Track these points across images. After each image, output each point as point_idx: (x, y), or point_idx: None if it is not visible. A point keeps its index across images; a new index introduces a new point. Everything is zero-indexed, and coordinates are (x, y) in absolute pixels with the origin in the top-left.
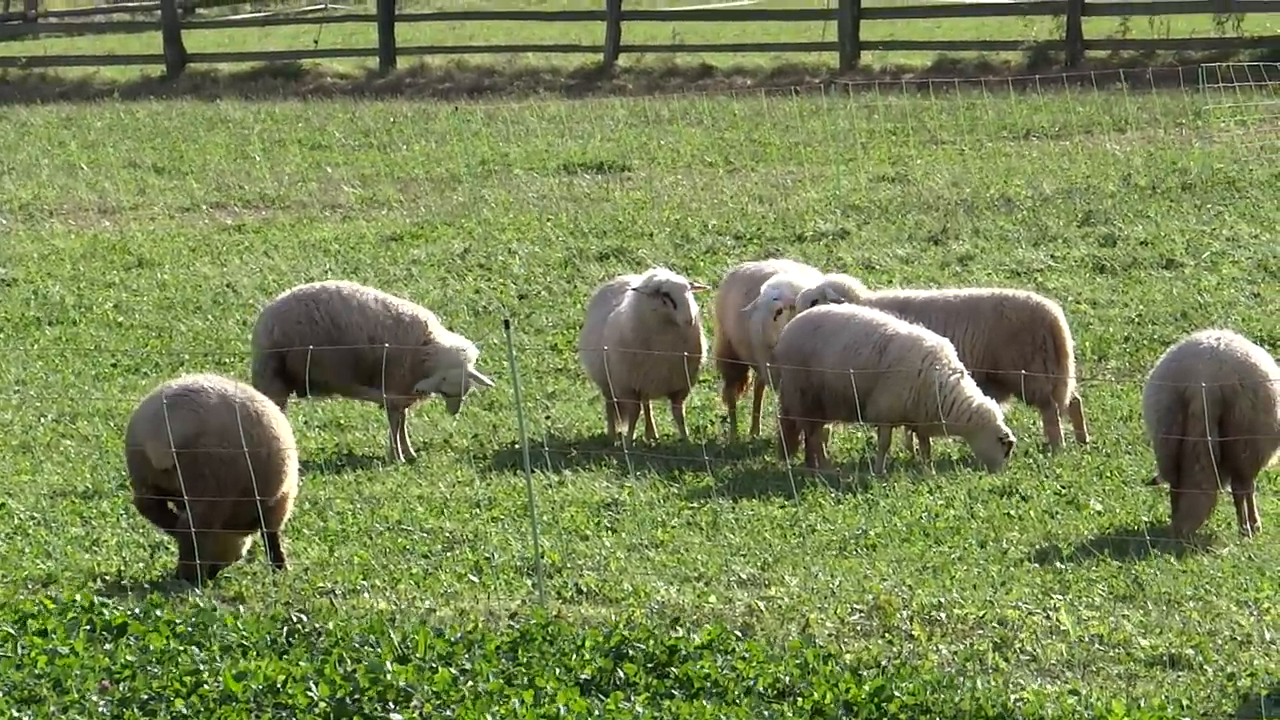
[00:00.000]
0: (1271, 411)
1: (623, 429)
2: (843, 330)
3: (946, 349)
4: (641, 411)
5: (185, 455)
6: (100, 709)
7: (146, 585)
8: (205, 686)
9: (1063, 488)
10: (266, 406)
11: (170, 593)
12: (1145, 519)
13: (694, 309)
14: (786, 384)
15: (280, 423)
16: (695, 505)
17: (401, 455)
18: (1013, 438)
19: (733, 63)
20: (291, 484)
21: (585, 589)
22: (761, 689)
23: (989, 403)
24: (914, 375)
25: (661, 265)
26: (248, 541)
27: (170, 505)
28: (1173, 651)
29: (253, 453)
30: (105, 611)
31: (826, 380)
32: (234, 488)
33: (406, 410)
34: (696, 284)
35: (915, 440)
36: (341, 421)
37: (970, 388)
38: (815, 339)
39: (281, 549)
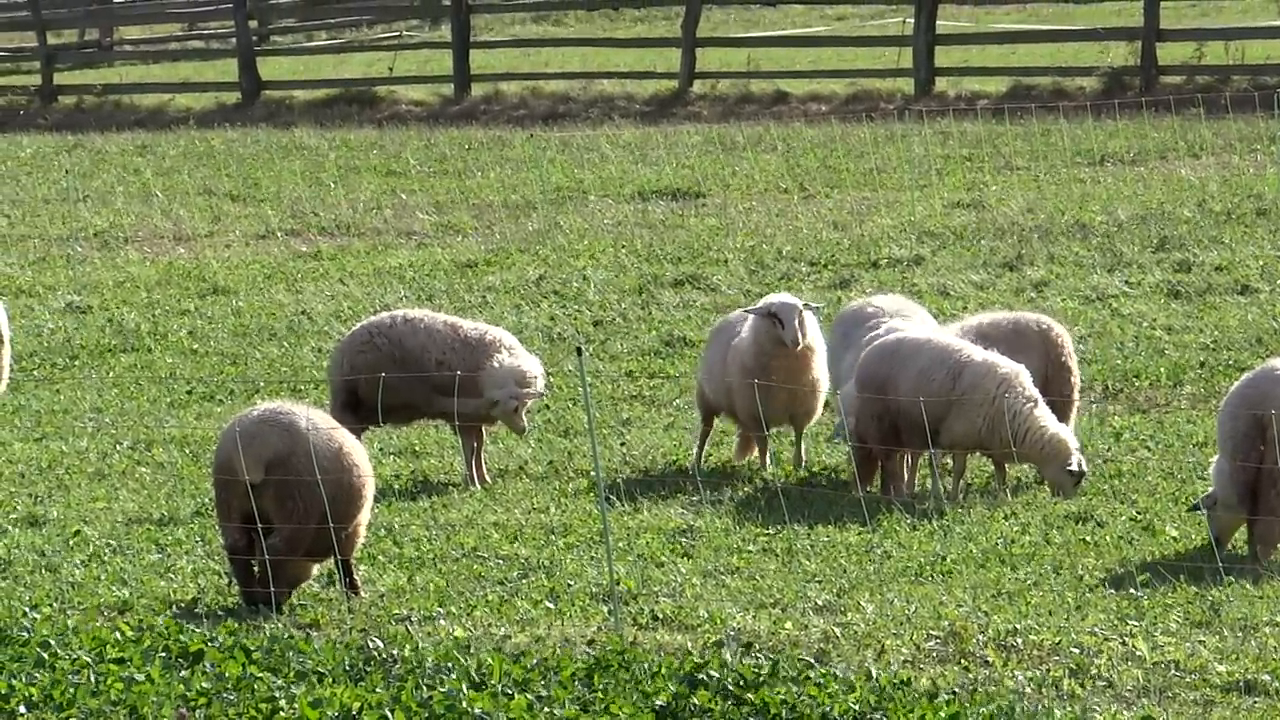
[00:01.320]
0: None
1: (747, 457)
2: (918, 355)
3: (1022, 376)
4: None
5: (276, 475)
6: None
7: (221, 612)
8: (281, 714)
9: (1138, 513)
10: (346, 434)
11: (246, 619)
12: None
13: (810, 331)
14: (861, 411)
15: (359, 451)
16: (770, 532)
17: (477, 482)
18: (1085, 468)
19: (807, 89)
20: (366, 512)
21: (660, 615)
22: (837, 715)
23: (1064, 431)
24: (988, 402)
25: (784, 292)
26: (316, 570)
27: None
28: (1249, 677)
29: (336, 479)
30: (182, 638)
31: (901, 407)
32: (318, 512)
33: (483, 436)
34: (811, 306)
35: (992, 466)
36: (417, 448)
37: (1045, 416)
38: (891, 365)
39: (356, 576)
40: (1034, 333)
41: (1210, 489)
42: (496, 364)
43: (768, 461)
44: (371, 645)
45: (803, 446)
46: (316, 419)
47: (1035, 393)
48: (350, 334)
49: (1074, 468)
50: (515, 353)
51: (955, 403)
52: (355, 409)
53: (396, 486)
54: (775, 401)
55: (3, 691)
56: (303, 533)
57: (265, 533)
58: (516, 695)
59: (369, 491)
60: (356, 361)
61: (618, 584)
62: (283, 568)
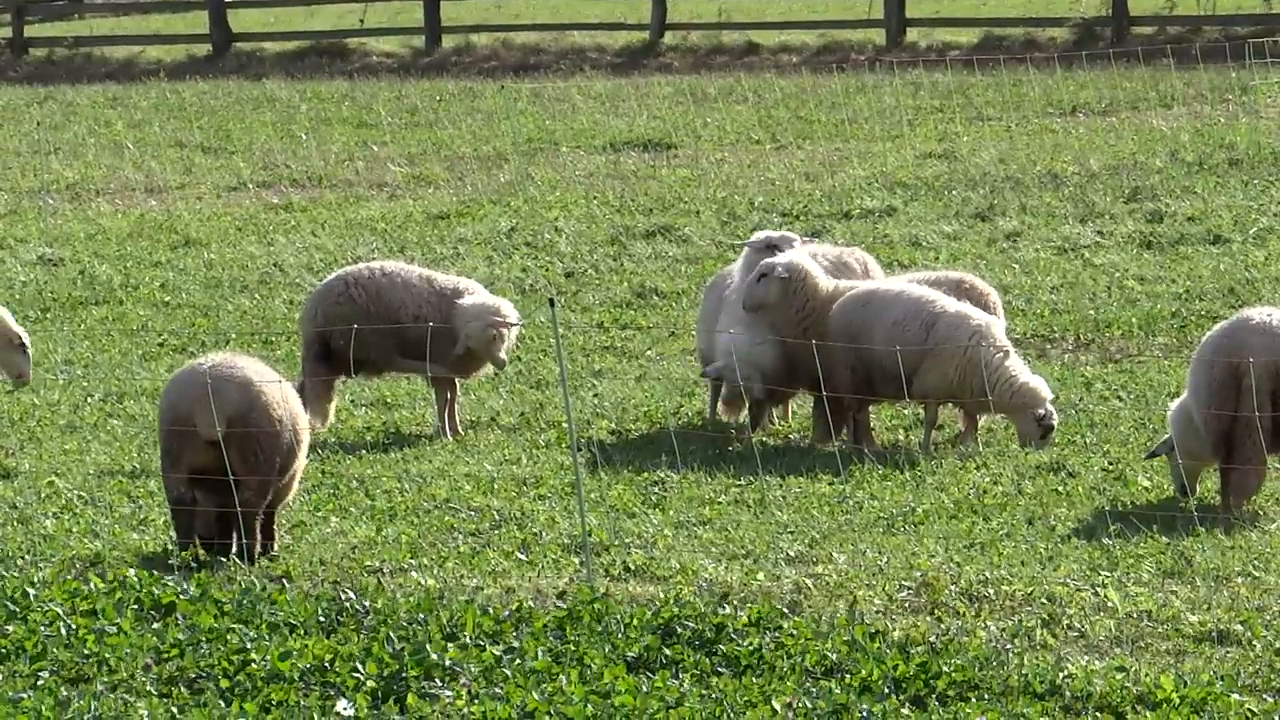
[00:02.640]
0: None
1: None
2: (891, 307)
3: (995, 326)
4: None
5: (238, 428)
6: (148, 687)
7: (194, 564)
8: (253, 665)
9: (1110, 463)
10: (286, 384)
11: (218, 571)
12: (1195, 495)
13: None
14: (834, 362)
15: (296, 399)
16: (743, 483)
17: (449, 433)
18: (1054, 420)
19: (779, 40)
20: (302, 461)
21: (633, 567)
22: (809, 666)
23: (1035, 381)
24: (959, 352)
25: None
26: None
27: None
28: (1221, 627)
29: (292, 430)
30: (154, 590)
31: (875, 357)
32: (279, 463)
33: (456, 388)
34: (806, 239)
35: (962, 417)
36: (388, 400)
37: (1017, 366)
38: (864, 315)
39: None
40: (960, 292)
41: (1165, 435)
42: (467, 301)
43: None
44: (343, 597)
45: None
46: (262, 369)
47: (1007, 343)
48: (324, 284)
49: (1043, 417)
50: (485, 294)
51: (929, 353)
52: (327, 360)
53: (368, 438)
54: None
55: None
56: (268, 483)
57: (235, 485)
58: (488, 646)
59: (306, 442)
60: (331, 313)
61: (590, 535)
62: (254, 520)
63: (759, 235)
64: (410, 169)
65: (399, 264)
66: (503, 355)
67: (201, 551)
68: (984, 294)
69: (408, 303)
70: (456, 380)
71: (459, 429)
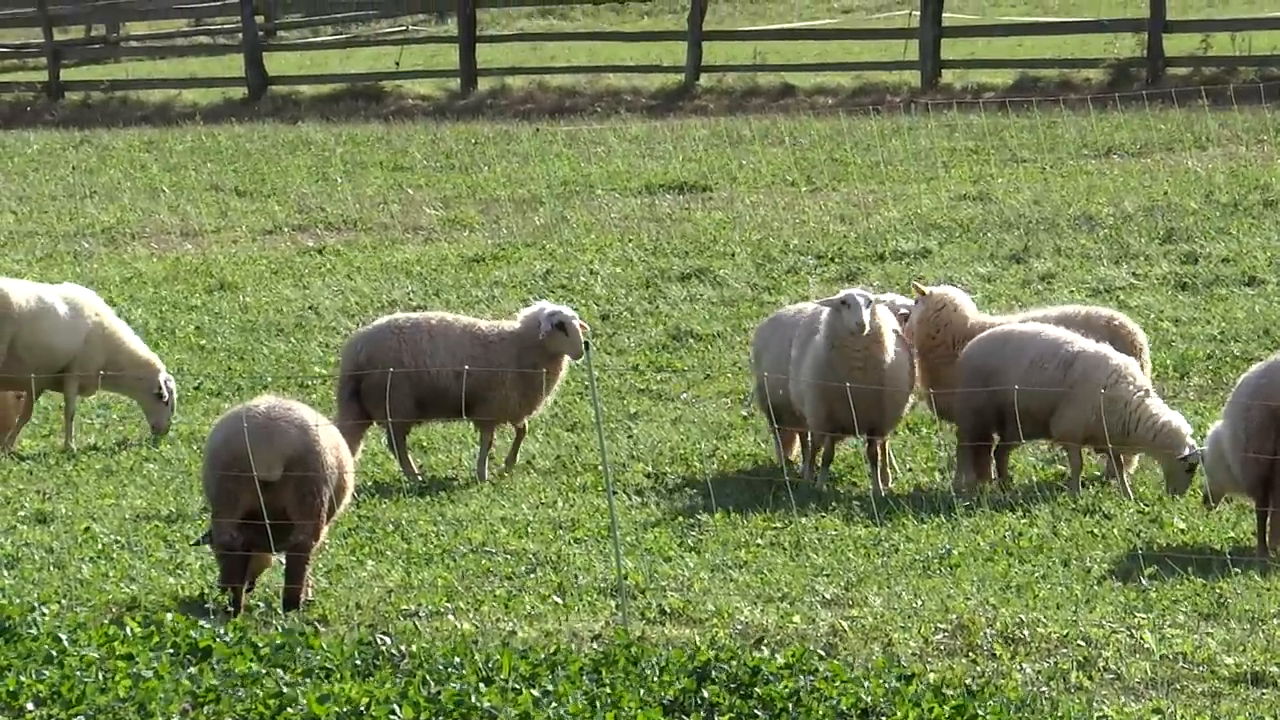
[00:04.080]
0: None
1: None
2: (1029, 346)
3: (1132, 367)
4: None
5: (296, 471)
6: None
7: (230, 608)
8: (289, 709)
9: (1146, 506)
10: (334, 429)
11: (254, 616)
12: (1229, 535)
13: (884, 324)
14: (964, 405)
15: (345, 446)
16: (778, 525)
17: (484, 476)
18: (1197, 458)
19: (814, 82)
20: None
21: (668, 610)
22: (845, 709)
23: (1177, 420)
24: (1097, 392)
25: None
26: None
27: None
28: (1257, 669)
29: (340, 474)
30: (190, 634)
31: (1009, 398)
32: (330, 506)
33: (493, 434)
34: (885, 300)
35: (1108, 460)
36: (424, 444)
37: (1157, 405)
38: (1002, 355)
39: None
40: (1102, 327)
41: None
42: (520, 313)
43: (816, 467)
44: (379, 641)
45: (888, 458)
46: (313, 413)
47: (1146, 383)
48: (372, 327)
49: (1186, 456)
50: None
51: (1066, 394)
52: (358, 402)
53: (404, 482)
54: (856, 408)
55: (11, 688)
56: (320, 527)
57: (283, 530)
58: (524, 690)
59: (351, 487)
60: (365, 357)
61: (625, 578)
62: (305, 565)
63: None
64: (445, 212)
65: (444, 315)
66: (580, 343)
67: (227, 596)
68: (1132, 333)
69: (442, 355)
70: (495, 429)
71: (491, 473)
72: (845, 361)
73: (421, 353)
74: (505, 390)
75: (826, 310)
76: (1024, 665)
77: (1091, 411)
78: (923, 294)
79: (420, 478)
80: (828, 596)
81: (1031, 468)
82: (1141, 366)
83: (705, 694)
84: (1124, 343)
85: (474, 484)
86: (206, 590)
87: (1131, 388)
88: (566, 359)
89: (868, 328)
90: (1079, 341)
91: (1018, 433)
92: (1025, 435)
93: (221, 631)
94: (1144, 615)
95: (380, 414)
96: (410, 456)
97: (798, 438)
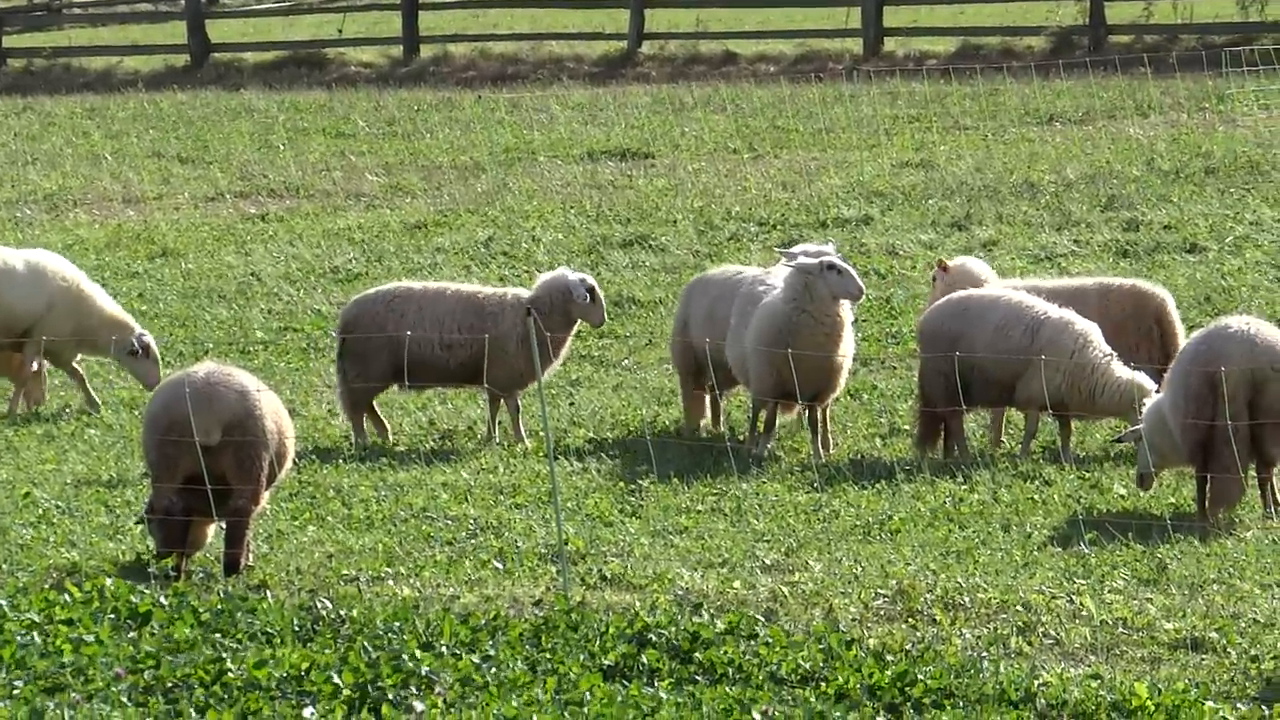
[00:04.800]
0: None
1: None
2: (991, 312)
3: (1095, 332)
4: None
5: (235, 436)
6: (123, 697)
7: (171, 573)
8: (229, 674)
9: (1086, 472)
10: (273, 395)
11: (194, 581)
12: (1169, 502)
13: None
14: (928, 370)
15: (284, 412)
16: (719, 491)
17: (497, 435)
18: (1137, 435)
19: (756, 50)
20: (284, 474)
21: (609, 575)
22: (785, 674)
23: (1138, 377)
24: (1066, 358)
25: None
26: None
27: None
28: (1196, 635)
29: (280, 440)
30: (131, 599)
31: (976, 364)
32: (270, 472)
33: (512, 398)
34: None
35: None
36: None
37: (1120, 369)
38: (963, 321)
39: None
40: (1133, 297)
41: (1133, 429)
42: (539, 278)
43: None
44: (320, 606)
45: (828, 425)
46: (253, 379)
47: (1108, 348)
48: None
49: (1120, 437)
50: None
51: (1033, 360)
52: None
53: (346, 447)
54: (801, 373)
55: None
56: (260, 492)
57: (223, 495)
58: (465, 655)
59: (291, 453)
60: (351, 322)
61: (566, 544)
62: (244, 530)
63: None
64: (387, 179)
65: (446, 285)
66: (603, 314)
67: (170, 561)
68: (1162, 300)
69: (428, 324)
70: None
71: (515, 431)
72: (814, 326)
73: (405, 322)
74: (509, 357)
75: (796, 273)
76: (964, 631)
77: (1061, 378)
78: (945, 268)
79: (366, 444)
80: (768, 562)
81: (971, 433)
82: (1170, 334)
83: (645, 659)
84: (1153, 313)
85: (415, 450)
86: (147, 555)
87: (1097, 353)
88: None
89: (863, 294)
90: (1042, 306)
91: (985, 399)
92: (989, 401)
93: (161, 597)
94: (1084, 581)
95: (354, 378)
96: (366, 426)
97: (706, 401)
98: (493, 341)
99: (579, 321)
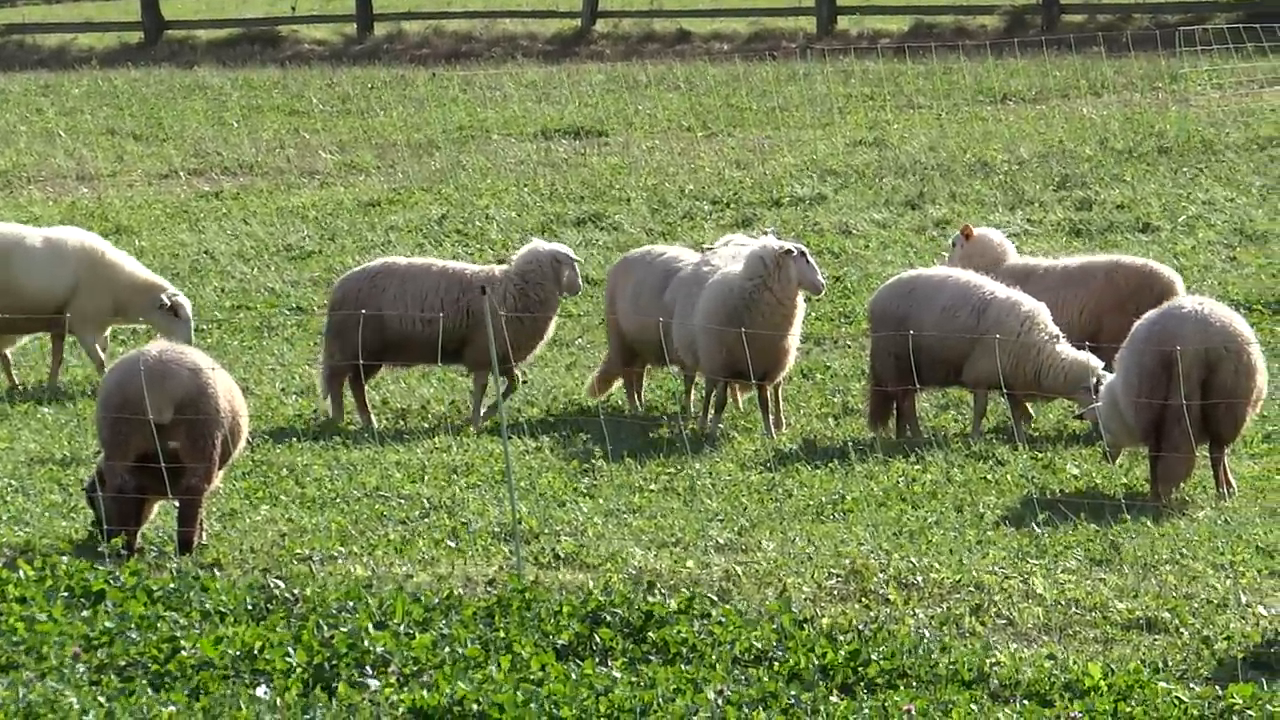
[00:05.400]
0: (1253, 376)
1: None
2: (939, 293)
3: (1043, 312)
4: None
5: (188, 414)
6: (78, 675)
7: (123, 551)
8: (183, 653)
9: (1039, 452)
10: (226, 374)
11: (148, 560)
12: (1122, 482)
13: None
14: (878, 350)
15: (238, 391)
16: (672, 470)
17: (478, 423)
18: (1094, 413)
19: (710, 28)
20: (237, 453)
21: (562, 555)
22: (738, 653)
23: (1083, 356)
24: (1012, 338)
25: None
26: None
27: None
28: (1149, 615)
29: (233, 419)
30: (85, 577)
31: (923, 343)
32: (223, 450)
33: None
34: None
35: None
36: (317, 388)
37: (1066, 349)
38: (910, 302)
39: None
40: (1144, 277)
41: (1092, 406)
42: (516, 254)
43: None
44: (273, 584)
45: (781, 406)
46: (206, 358)
47: (1055, 328)
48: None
49: (1081, 414)
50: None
51: (980, 340)
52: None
53: (299, 426)
54: (753, 352)
55: None
56: (213, 470)
57: (176, 473)
58: (418, 634)
59: (245, 432)
60: (339, 299)
61: (520, 523)
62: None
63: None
64: (341, 156)
65: (430, 261)
66: (577, 283)
67: (119, 541)
68: (1170, 280)
69: (409, 300)
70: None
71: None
72: (771, 308)
73: (387, 299)
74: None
75: (764, 252)
76: (917, 610)
77: (1006, 358)
78: (968, 235)
79: (340, 418)
80: (721, 542)
81: (924, 413)
82: None
83: (599, 638)
84: (1157, 291)
85: (368, 429)
86: (98, 534)
87: (1044, 334)
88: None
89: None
90: (989, 287)
91: (933, 378)
92: (937, 381)
93: (115, 575)
94: (1037, 561)
95: (334, 353)
96: (342, 403)
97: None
98: (477, 317)
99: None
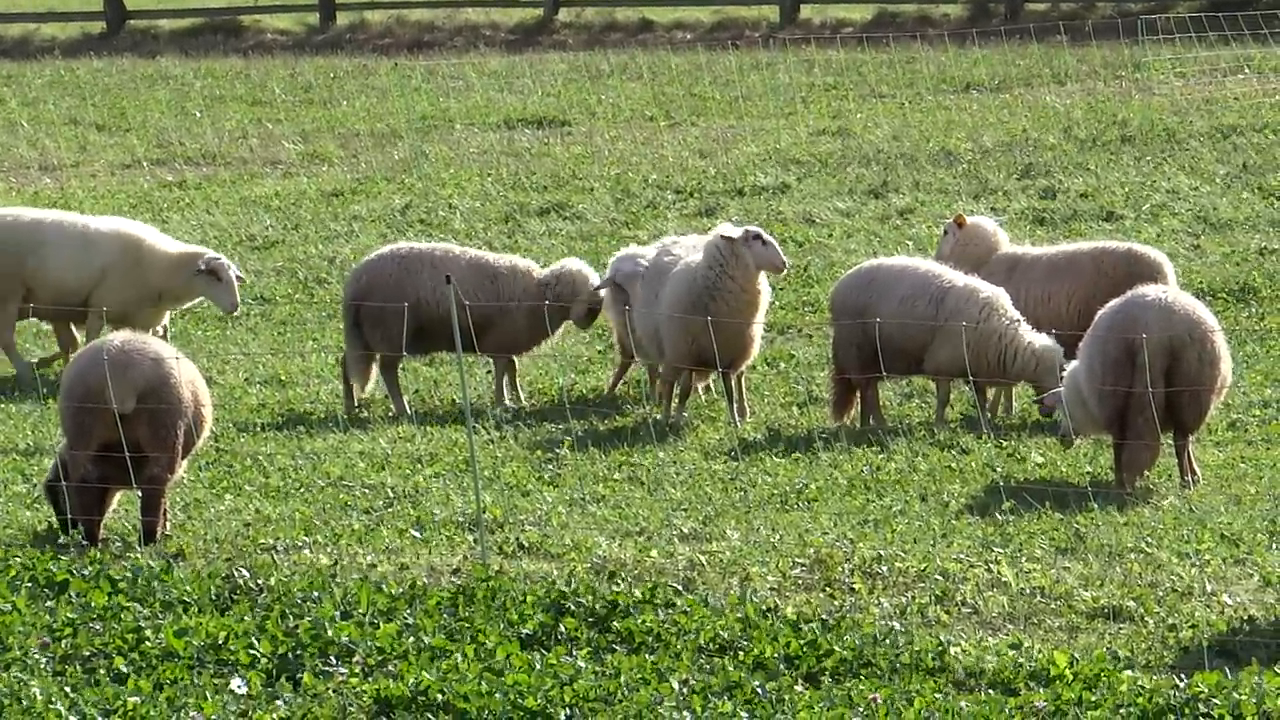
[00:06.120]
0: (1216, 364)
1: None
2: (898, 283)
3: (1002, 298)
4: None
5: (149, 404)
6: (42, 666)
7: (84, 542)
8: (147, 643)
9: (1004, 440)
10: (190, 364)
11: (111, 549)
12: (1086, 470)
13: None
14: (840, 339)
15: (201, 381)
16: (636, 460)
17: (504, 400)
18: (1055, 399)
19: (672, 17)
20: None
21: (527, 544)
22: (703, 643)
23: (1048, 343)
24: (971, 326)
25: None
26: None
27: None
28: (1114, 603)
29: (195, 408)
30: (49, 567)
31: (884, 333)
32: (185, 440)
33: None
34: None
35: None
36: (282, 378)
37: (1029, 334)
38: (870, 292)
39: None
40: (1130, 262)
41: (1054, 391)
42: (559, 265)
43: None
44: (237, 574)
45: (745, 394)
46: (168, 347)
47: (1016, 313)
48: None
49: (1045, 403)
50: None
51: (940, 329)
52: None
53: (263, 416)
54: (719, 340)
55: None
56: (176, 460)
57: (139, 463)
58: (383, 624)
59: (209, 421)
60: (362, 287)
61: (484, 512)
62: (160, 498)
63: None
64: (304, 146)
65: (450, 246)
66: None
67: (76, 534)
68: (1158, 264)
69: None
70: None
71: (519, 398)
72: (735, 295)
73: (422, 283)
74: (513, 321)
75: (720, 240)
76: (881, 599)
77: (967, 347)
78: (961, 224)
79: (409, 412)
80: (685, 531)
81: (888, 402)
82: None
83: (563, 628)
84: (1146, 275)
85: (331, 418)
86: (58, 526)
87: (1005, 320)
88: None
89: (788, 267)
90: (948, 276)
91: (894, 368)
92: (899, 370)
93: (78, 565)
94: (1001, 550)
95: (378, 343)
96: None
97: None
98: (503, 307)
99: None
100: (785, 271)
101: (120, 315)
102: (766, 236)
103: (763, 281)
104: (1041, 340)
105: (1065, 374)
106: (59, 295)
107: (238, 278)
